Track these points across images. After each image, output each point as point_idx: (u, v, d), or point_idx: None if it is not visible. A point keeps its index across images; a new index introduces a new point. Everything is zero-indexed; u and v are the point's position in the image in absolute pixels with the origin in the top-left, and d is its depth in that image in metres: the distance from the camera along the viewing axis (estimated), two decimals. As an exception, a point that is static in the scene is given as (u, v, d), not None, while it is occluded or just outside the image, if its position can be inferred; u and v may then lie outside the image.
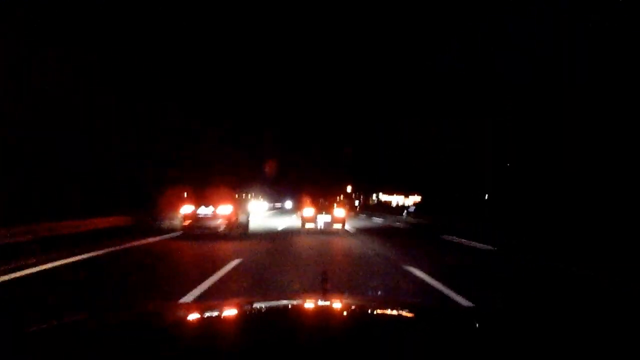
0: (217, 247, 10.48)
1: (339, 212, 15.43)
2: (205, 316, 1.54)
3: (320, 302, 1.67)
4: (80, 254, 8.67)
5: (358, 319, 1.54)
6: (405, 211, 40.38)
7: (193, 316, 1.54)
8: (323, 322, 1.43)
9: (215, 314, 1.58)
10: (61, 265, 7.63)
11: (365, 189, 69.81)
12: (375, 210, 51.00)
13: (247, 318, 1.54)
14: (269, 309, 1.72)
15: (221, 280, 6.42)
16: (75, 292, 5.88)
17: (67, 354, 1.07)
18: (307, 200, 16.03)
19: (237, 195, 15.18)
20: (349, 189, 51.23)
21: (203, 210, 13.00)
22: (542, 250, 11.41)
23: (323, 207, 15.58)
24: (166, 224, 16.71)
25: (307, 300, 1.90)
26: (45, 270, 7.20)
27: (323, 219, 15.16)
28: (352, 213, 41.92)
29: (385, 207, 58.47)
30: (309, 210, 15.39)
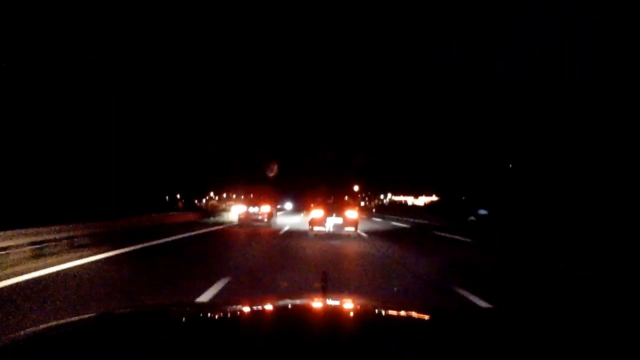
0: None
1: (351, 213, 13.87)
2: (200, 317, 1.54)
3: (320, 302, 1.67)
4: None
5: (358, 320, 1.53)
6: (473, 216, 28.42)
7: (189, 317, 1.54)
8: (321, 322, 1.43)
9: (210, 315, 1.58)
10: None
11: (371, 189, 67.28)
12: (392, 212, 40.93)
13: (244, 319, 1.54)
14: (266, 309, 1.72)
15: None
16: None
17: (75, 352, 1.08)
18: (315, 201, 14.81)
19: (272, 199, 20.94)
20: (355, 188, 48.39)
21: (252, 209, 19.92)
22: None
23: (333, 208, 14.06)
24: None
25: (307, 300, 1.90)
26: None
27: (333, 222, 13.71)
28: (372, 215, 36.41)
29: (404, 208, 49.74)
30: (317, 212, 13.93)
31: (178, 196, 47.96)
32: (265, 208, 20.02)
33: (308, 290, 5.70)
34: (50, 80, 17.24)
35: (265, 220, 19.77)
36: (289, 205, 57.82)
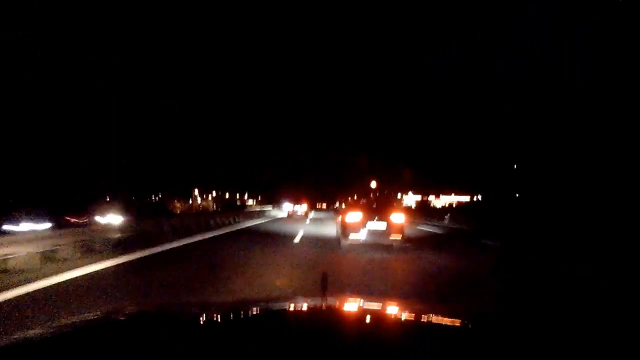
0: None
1: (397, 217, 10.89)
2: (202, 317, 1.54)
3: (319, 303, 1.67)
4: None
5: (357, 321, 1.53)
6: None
7: (191, 317, 1.54)
8: (320, 323, 1.43)
9: (211, 315, 1.58)
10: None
11: (387, 187, 61.76)
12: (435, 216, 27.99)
13: (244, 320, 1.53)
14: (267, 310, 1.72)
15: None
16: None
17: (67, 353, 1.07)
18: (349, 201, 11.95)
19: (308, 201, 36.61)
20: (373, 184, 42.98)
21: (295, 208, 33.86)
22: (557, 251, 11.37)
23: (374, 210, 11.17)
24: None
25: (306, 301, 1.90)
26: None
27: (374, 228, 10.69)
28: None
29: (435, 210, 38.63)
30: (353, 215, 10.90)
31: (160, 196, 47.11)
32: (303, 207, 35.08)
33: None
34: (50, 81, 17.26)
35: (303, 215, 33.00)
36: (288, 207, 47.88)
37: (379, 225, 10.66)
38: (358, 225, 10.67)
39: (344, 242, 11.02)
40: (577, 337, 1.32)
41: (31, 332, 1.23)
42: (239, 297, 5.22)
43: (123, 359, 1.03)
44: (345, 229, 10.98)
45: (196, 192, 59.57)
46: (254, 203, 67.26)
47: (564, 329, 1.45)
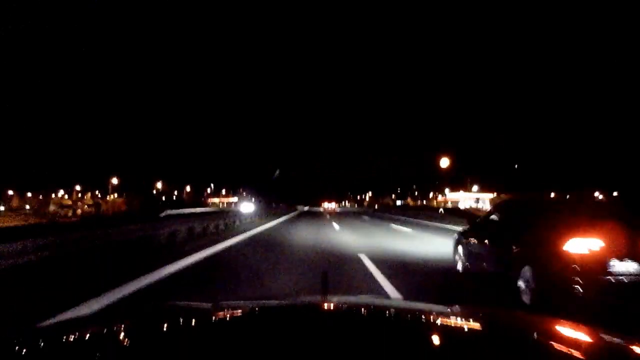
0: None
1: None
2: (201, 318, 1.54)
3: (320, 303, 1.67)
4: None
5: (358, 321, 1.53)
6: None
7: (192, 317, 1.54)
8: (321, 323, 1.42)
9: (210, 316, 1.57)
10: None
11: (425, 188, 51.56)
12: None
13: (246, 319, 1.53)
14: (268, 309, 1.72)
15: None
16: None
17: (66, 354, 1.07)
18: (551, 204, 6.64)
19: (335, 200, 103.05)
20: (444, 162, 34.33)
21: (326, 205, 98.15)
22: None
23: (622, 230, 4.81)
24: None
25: (307, 301, 1.89)
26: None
27: (626, 271, 4.64)
28: None
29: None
30: (586, 244, 4.74)
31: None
32: (332, 205, 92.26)
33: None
34: (49, 80, 17.25)
35: (332, 211, 53.90)
36: (248, 207, 36.30)
37: (634, 266, 4.76)
38: (595, 265, 4.75)
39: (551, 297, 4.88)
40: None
41: (31, 331, 1.22)
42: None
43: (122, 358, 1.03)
44: (567, 277, 4.75)
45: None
46: (239, 200, 68.27)
47: None
